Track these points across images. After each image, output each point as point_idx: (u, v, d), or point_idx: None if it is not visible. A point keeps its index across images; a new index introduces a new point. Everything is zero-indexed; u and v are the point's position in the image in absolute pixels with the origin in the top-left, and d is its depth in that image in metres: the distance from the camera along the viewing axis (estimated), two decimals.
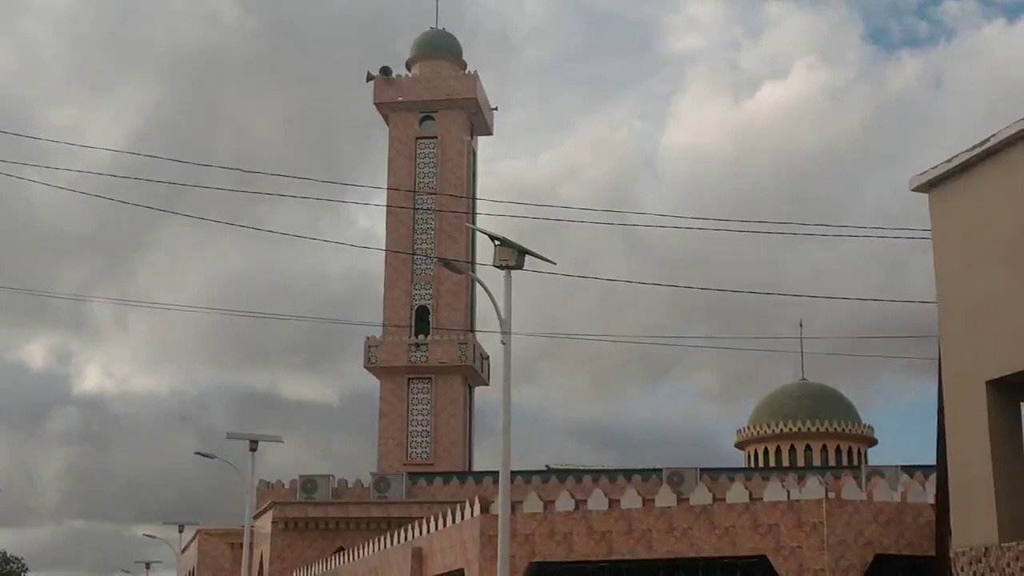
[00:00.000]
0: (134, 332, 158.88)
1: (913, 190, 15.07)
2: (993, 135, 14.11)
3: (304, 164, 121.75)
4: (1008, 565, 13.24)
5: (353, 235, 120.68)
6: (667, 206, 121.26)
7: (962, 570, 13.95)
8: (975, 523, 13.86)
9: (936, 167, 14.77)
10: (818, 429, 70.37)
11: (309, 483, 64.42)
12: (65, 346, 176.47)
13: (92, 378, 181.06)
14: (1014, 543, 13.37)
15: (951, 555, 14.65)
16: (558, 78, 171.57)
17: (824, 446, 70.42)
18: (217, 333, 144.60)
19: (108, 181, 34.57)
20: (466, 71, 79.76)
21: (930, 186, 14.95)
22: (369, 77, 78.29)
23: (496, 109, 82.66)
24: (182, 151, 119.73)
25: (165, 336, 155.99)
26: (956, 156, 14.58)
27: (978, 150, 14.23)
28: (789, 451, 70.58)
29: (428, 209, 75.48)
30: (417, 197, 75.05)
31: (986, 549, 13.62)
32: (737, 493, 32.70)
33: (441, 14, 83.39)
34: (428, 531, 40.58)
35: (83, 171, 31.80)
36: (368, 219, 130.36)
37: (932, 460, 29.94)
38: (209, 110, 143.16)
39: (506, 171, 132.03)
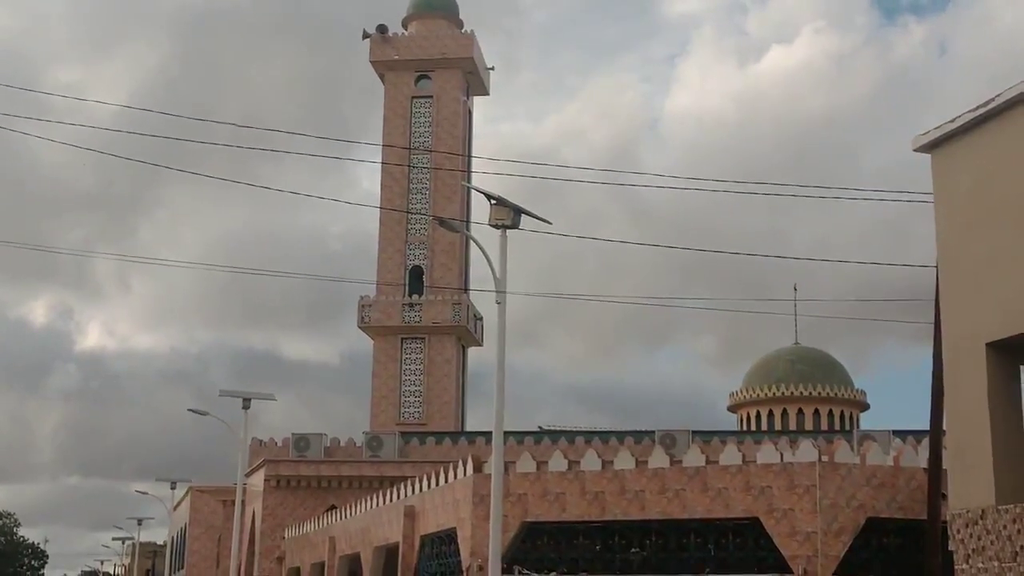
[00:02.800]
0: (136, 290, 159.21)
1: (915, 150, 14.92)
2: (997, 95, 13.96)
3: (308, 124, 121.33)
4: (1005, 527, 13.19)
5: (355, 195, 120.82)
6: (670, 170, 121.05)
7: (959, 532, 13.91)
8: (973, 485, 13.80)
9: (939, 127, 14.63)
10: (810, 393, 70.48)
11: (302, 441, 64.47)
12: (67, 303, 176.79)
13: (93, 335, 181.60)
14: (1011, 505, 13.32)
15: (946, 517, 14.61)
16: (561, 40, 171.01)
17: (816, 410, 70.56)
18: (218, 292, 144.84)
19: (111, 138, 34.39)
20: (463, 30, 79.27)
21: (933, 146, 14.81)
22: (365, 35, 77.78)
23: (492, 69, 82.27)
24: (185, 110, 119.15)
25: (166, 295, 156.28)
26: (959, 116, 14.44)
27: (981, 111, 14.09)
28: (781, 415, 70.72)
29: (424, 168, 75.21)
30: (413, 156, 74.76)
31: (983, 511, 13.57)
32: (730, 455, 32.71)
33: None
34: (421, 490, 40.63)
35: (86, 125, 31.58)
36: (370, 179, 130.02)
37: (924, 425, 29.96)
38: (213, 69, 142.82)
39: (509, 133, 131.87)
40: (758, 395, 71.48)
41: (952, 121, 14.45)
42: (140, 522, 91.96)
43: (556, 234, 28.46)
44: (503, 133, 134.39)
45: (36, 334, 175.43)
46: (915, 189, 23.44)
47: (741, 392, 73.06)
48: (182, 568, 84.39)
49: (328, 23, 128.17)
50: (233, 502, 49.71)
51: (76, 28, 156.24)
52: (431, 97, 76.81)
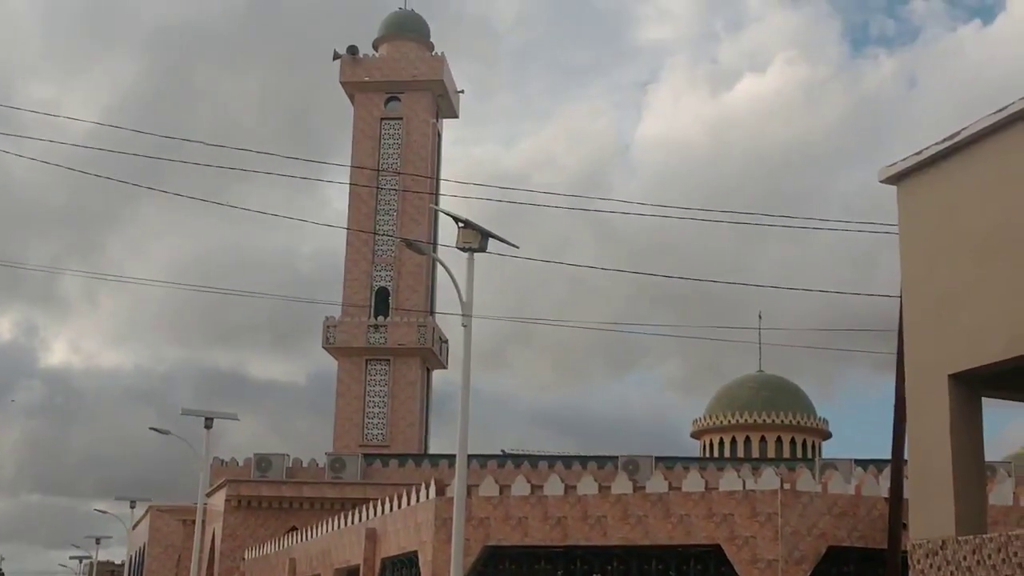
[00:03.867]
0: (103, 307, 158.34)
1: (882, 182, 15.04)
2: (962, 129, 14.10)
3: (282, 142, 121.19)
4: (965, 558, 13.26)
5: (326, 215, 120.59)
6: (641, 196, 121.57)
7: (919, 562, 13.97)
8: (933, 516, 13.87)
9: (905, 159, 14.75)
10: (773, 421, 70.71)
11: (264, 462, 64.12)
12: (32, 319, 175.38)
13: (59, 352, 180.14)
14: (971, 536, 13.40)
15: (907, 547, 14.68)
16: (534, 64, 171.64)
17: (779, 438, 70.78)
18: (186, 310, 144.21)
19: (82, 155, 34.27)
20: (433, 53, 79.45)
21: (898, 178, 14.93)
22: (336, 56, 77.86)
23: (462, 92, 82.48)
24: (160, 127, 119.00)
25: (134, 312, 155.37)
26: (925, 149, 14.56)
27: (947, 143, 14.22)
28: (744, 442, 70.92)
29: (391, 190, 75.21)
30: (381, 178, 74.77)
31: (943, 542, 13.64)
32: (693, 482, 32.75)
33: None
34: (382, 512, 40.46)
35: (56, 141, 31.51)
36: (340, 200, 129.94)
37: (885, 454, 30.10)
38: (188, 86, 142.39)
39: (481, 156, 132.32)
40: (721, 422, 71.67)
41: (918, 154, 14.58)
42: (98, 541, 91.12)
43: (523, 258, 28.55)
44: (474, 156, 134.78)
45: (0, 350, 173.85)
46: (883, 219, 23.66)
47: (704, 419, 73.23)
48: None
49: (304, 43, 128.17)
50: (193, 522, 49.40)
51: (51, 44, 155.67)
52: (400, 119, 76.91)
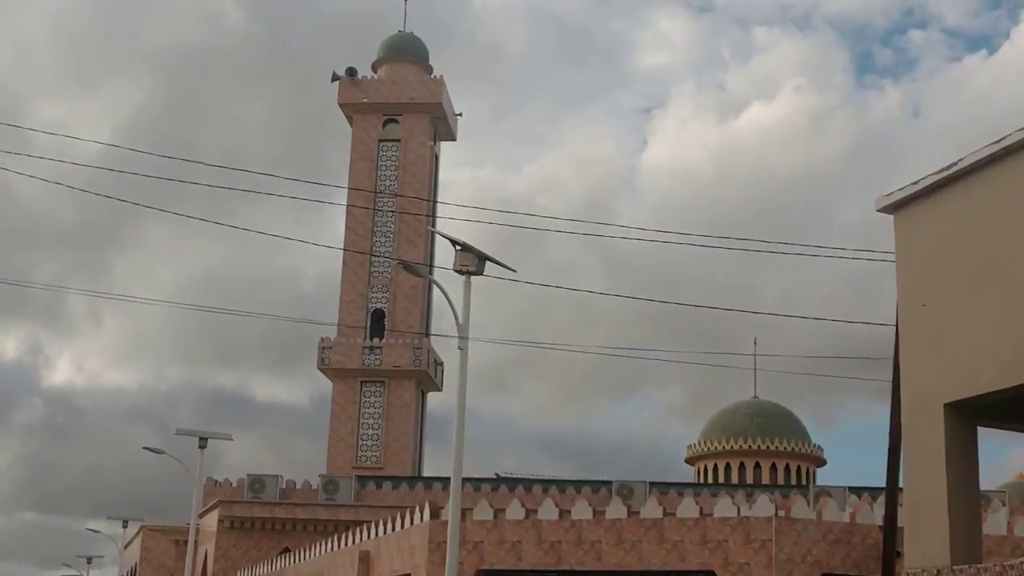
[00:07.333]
0: (107, 327, 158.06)
1: (879, 211, 15.08)
2: (959, 160, 14.17)
3: (289, 164, 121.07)
4: None
5: (331, 236, 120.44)
6: (646, 222, 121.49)
7: None
8: (928, 545, 13.87)
9: (903, 188, 14.81)
10: (768, 447, 70.66)
11: (257, 483, 64.00)
12: (37, 338, 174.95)
13: (62, 371, 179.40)
14: (966, 566, 13.40)
15: None
16: (537, 90, 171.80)
17: (773, 464, 70.74)
18: (190, 330, 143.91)
19: (90, 174, 34.36)
20: (432, 75, 79.69)
21: (896, 207, 14.97)
22: (335, 77, 78.08)
23: (460, 115, 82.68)
24: (168, 147, 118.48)
25: (138, 331, 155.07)
26: (922, 179, 14.62)
27: (945, 173, 14.28)
28: (739, 468, 70.86)
29: (388, 211, 75.32)
30: (378, 199, 74.90)
31: (938, 571, 13.64)
32: (687, 508, 32.77)
33: (416, 20, 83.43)
34: (376, 535, 40.40)
35: (64, 160, 31.58)
36: (344, 221, 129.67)
37: (879, 482, 30.10)
38: (196, 107, 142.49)
39: (486, 179, 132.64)
40: (715, 448, 71.62)
41: (915, 183, 14.63)
42: (90, 560, 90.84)
43: (521, 281, 28.60)
44: (480, 179, 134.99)
45: (3, 368, 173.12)
46: (883, 248, 23.72)
47: (699, 444, 73.17)
48: None
49: (312, 64, 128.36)
50: (185, 542, 49.29)
51: (61, 64, 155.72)
52: (398, 141, 77.08)
